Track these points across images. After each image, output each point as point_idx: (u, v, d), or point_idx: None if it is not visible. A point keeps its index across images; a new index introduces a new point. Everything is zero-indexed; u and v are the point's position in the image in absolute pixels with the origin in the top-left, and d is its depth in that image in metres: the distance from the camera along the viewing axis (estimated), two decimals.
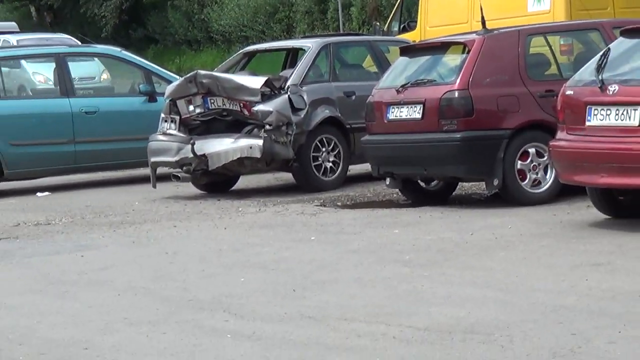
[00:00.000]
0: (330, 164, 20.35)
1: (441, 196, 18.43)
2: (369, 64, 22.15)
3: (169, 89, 21.16)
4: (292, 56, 22.56)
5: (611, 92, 14.15)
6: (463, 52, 17.27)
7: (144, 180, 21.99)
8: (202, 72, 21.17)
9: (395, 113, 17.59)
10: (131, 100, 23.61)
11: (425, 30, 29.04)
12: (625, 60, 14.70)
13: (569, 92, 14.90)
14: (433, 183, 18.42)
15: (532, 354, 9.18)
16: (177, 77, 23.81)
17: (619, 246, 13.43)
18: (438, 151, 16.96)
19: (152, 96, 23.19)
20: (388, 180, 18.15)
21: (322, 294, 12.15)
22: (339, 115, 20.36)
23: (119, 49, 26.12)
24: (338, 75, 21.18)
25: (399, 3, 32.26)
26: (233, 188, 21.58)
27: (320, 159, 20.22)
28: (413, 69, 17.99)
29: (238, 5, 51.08)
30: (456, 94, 16.73)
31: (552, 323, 10.12)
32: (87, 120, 22.80)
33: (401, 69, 18.24)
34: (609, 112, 14.19)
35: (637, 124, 13.86)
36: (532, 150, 16.83)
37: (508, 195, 16.92)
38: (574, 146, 14.64)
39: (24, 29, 62.87)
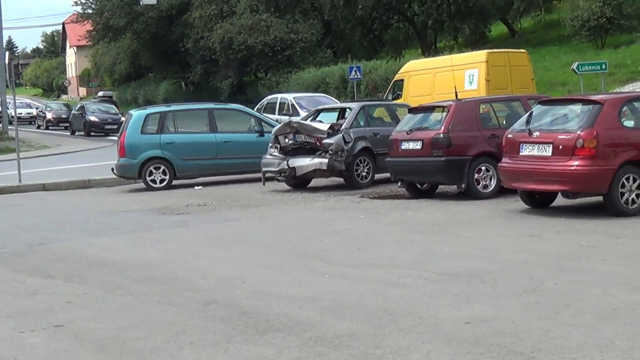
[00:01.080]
0: (365, 173, 19.96)
1: (429, 193, 17.86)
2: (386, 117, 21.35)
3: (274, 129, 21.03)
4: (342, 112, 22.03)
5: (535, 136, 13.89)
6: (444, 112, 16.90)
7: (257, 180, 21.20)
8: (294, 120, 21.06)
9: (405, 145, 17.29)
10: (250, 135, 23.12)
11: (407, 98, 28.11)
12: (541, 118, 14.41)
13: (509, 135, 14.58)
14: (425, 185, 17.89)
15: (511, 290, 8.84)
16: (277, 123, 23.48)
17: (541, 224, 13.03)
18: (431, 168, 16.70)
19: (261, 133, 22.80)
20: (399, 183, 17.84)
21: (376, 250, 11.60)
22: (370, 145, 19.95)
23: (242, 106, 26.17)
24: (370, 123, 20.69)
25: (392, 84, 31.50)
26: (308, 186, 20.80)
27: (359, 170, 19.88)
28: (415, 120, 17.63)
29: (297, 83, 49.81)
30: (441, 135, 16.40)
31: (517, 271, 9.69)
32: (225, 146, 22.56)
33: (408, 120, 17.89)
34: (533, 147, 13.93)
35: (550, 154, 13.57)
36: (483, 168, 16.48)
37: (469, 193, 16.43)
38: (512, 166, 14.31)
39: (176, 97, 63.54)
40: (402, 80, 30.52)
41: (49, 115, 62.36)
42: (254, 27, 52.78)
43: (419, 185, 17.88)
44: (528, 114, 14.65)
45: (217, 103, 28.47)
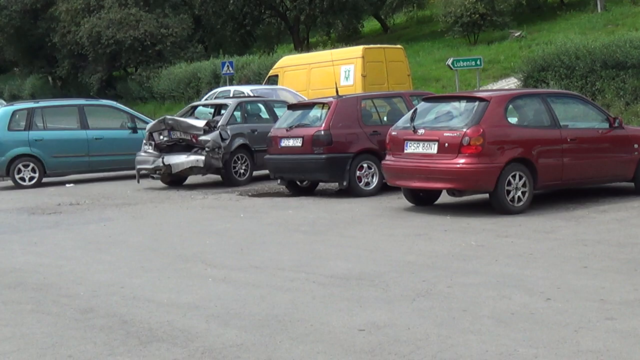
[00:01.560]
0: (243, 170, 19.58)
1: (310, 190, 17.67)
2: (263, 113, 21.28)
3: (149, 126, 20.40)
4: (218, 109, 21.45)
5: (420, 133, 13.62)
6: (324, 108, 16.63)
7: (131, 177, 20.95)
8: (169, 116, 20.28)
9: (285, 142, 16.90)
10: (122, 131, 22.64)
11: None
12: (425, 115, 14.17)
13: (393, 133, 14.27)
14: (305, 182, 17.66)
15: (404, 294, 8.51)
16: (150, 119, 22.94)
17: (427, 223, 12.82)
18: (312, 165, 16.40)
19: (134, 130, 22.36)
20: (279, 181, 17.45)
21: (260, 252, 11.16)
22: (248, 142, 19.59)
23: (114, 102, 25.30)
24: (247, 119, 20.33)
25: (266, 79, 31.75)
26: (184, 184, 20.42)
27: (237, 167, 19.47)
28: (295, 117, 17.31)
29: (169, 78, 49.29)
30: (322, 133, 16.16)
31: (407, 273, 9.38)
32: (97, 143, 22.02)
33: (287, 116, 17.56)
34: (418, 145, 13.66)
35: (435, 152, 13.32)
36: (365, 165, 16.28)
37: (351, 191, 16.19)
38: (397, 164, 14.01)
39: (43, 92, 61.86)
40: (277, 75, 30.65)
41: None
42: (122, 22, 52.02)
43: (298, 183, 17.60)
44: (412, 110, 14.41)
45: (87, 99, 27.89)
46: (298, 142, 16.51)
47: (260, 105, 21.43)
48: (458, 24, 41.41)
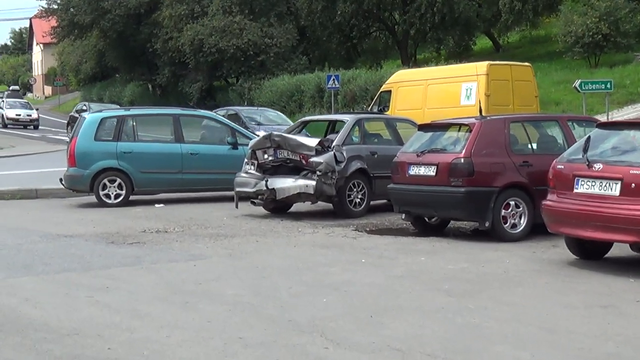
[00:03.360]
0: (359, 199, 16.93)
1: (439, 229, 14.93)
2: (384, 133, 18.62)
3: (251, 143, 17.88)
4: (332, 125, 19.01)
5: (596, 169, 10.80)
6: (465, 131, 13.92)
7: (228, 199, 18.49)
8: (276, 133, 17.73)
9: (414, 170, 14.23)
10: (221, 147, 20.10)
11: (395, 112, 25.86)
12: (601, 146, 11.30)
13: (559, 167, 11.49)
14: (434, 219, 14.97)
15: None
16: (252, 134, 20.83)
17: (607, 287, 9.99)
18: (447, 200, 13.66)
19: (235, 145, 19.82)
20: (404, 216, 14.80)
21: (396, 322, 8.42)
22: (366, 167, 16.96)
23: (213, 113, 23.12)
24: (366, 139, 17.71)
25: (377, 96, 29.20)
26: (289, 211, 17.89)
27: (352, 195, 16.82)
28: (427, 139, 14.60)
29: (271, 90, 48.13)
30: (462, 160, 13.43)
31: None
32: (192, 158, 19.62)
33: (417, 138, 14.86)
34: (593, 183, 10.81)
35: (617, 194, 10.48)
36: (512, 202, 13.46)
37: (494, 234, 13.43)
38: (563, 207, 11.18)
39: (143, 100, 61.18)
40: (390, 91, 27.96)
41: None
42: (226, 30, 50.83)
43: (427, 219, 14.99)
44: (585, 139, 11.49)
45: (184, 108, 25.28)
46: (431, 171, 13.80)
47: (382, 123, 18.89)
48: (579, 45, 38.94)
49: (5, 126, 55.31)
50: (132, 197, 19.37)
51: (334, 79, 37.46)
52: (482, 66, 25.57)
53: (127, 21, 60.81)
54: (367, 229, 15.15)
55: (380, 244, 13.56)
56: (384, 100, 27.87)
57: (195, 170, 19.59)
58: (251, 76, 51.31)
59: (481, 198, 13.21)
